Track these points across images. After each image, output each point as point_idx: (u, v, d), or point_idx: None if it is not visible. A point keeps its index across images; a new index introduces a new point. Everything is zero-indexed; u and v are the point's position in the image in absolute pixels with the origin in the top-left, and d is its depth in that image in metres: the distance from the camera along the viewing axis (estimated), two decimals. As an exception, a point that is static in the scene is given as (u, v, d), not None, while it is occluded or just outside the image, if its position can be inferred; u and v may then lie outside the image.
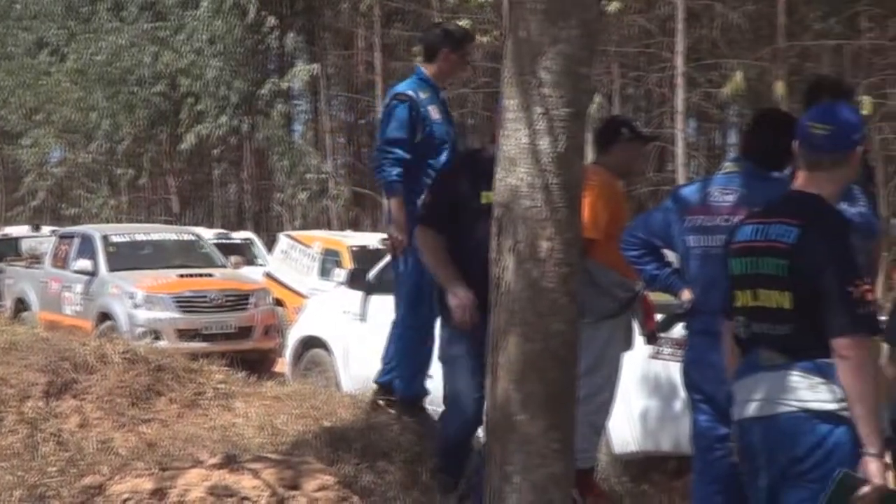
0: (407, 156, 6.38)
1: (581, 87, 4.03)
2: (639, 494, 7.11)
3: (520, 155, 3.95)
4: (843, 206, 4.75)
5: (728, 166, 5.30)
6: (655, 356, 7.35)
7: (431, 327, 6.29)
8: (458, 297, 5.36)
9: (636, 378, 7.57)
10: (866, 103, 19.46)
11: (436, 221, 5.58)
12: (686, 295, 5.23)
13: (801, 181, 4.14)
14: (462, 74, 6.76)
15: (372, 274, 10.15)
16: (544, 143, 3.92)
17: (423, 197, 5.94)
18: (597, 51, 21.61)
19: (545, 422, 3.86)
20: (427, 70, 6.67)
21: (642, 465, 7.73)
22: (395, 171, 6.37)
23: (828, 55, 23.19)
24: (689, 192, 5.35)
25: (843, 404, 3.90)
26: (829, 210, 4.08)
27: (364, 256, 15.93)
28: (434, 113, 6.57)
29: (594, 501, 6.25)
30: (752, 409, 4.08)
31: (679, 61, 21.92)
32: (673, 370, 6.91)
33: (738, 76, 21.39)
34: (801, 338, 3.97)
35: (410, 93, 6.52)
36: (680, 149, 21.73)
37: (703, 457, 5.15)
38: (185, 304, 14.18)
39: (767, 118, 5.37)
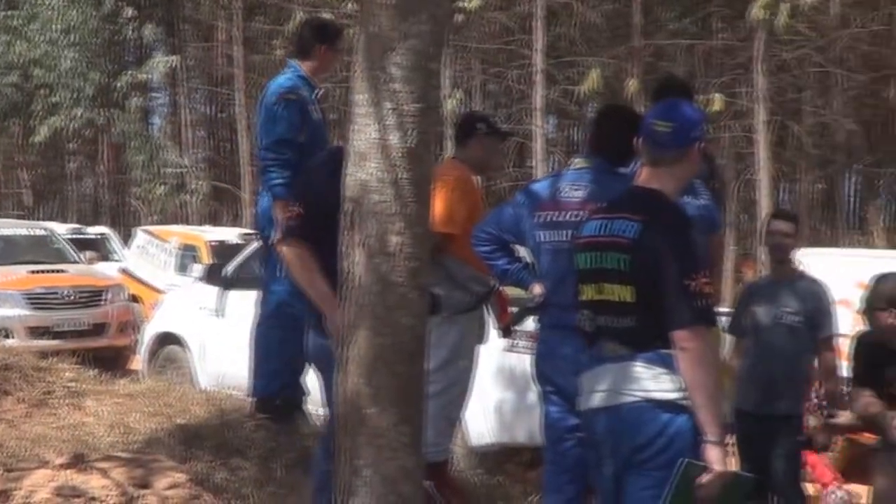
0: (294, 158, 6.15)
1: (431, 82, 4.05)
2: (494, 486, 7.18)
3: (370, 150, 3.96)
4: (686, 200, 4.86)
5: (578, 162, 5.39)
6: (510, 349, 7.44)
7: (299, 329, 6.03)
8: (335, 324, 4.68)
9: (492, 371, 7.65)
10: (717, 101, 19.96)
11: (309, 234, 4.91)
12: (537, 289, 5.30)
13: (643, 177, 4.23)
14: (331, 70, 6.64)
15: (229, 269, 10.07)
16: (394, 139, 3.93)
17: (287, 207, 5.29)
18: (447, 46, 21.82)
19: (395, 415, 3.87)
20: (303, 67, 6.56)
21: (498, 457, 7.83)
22: (285, 174, 6.15)
23: (681, 54, 23.67)
24: (540, 187, 5.42)
25: (685, 393, 3.99)
26: (669, 205, 4.17)
27: (223, 251, 15.79)
28: (314, 112, 6.47)
29: (449, 494, 6.29)
30: (597, 399, 4.15)
31: (538, 59, 22.17)
32: (528, 363, 6.97)
33: (595, 74, 21.70)
34: (644, 330, 4.06)
35: (301, 92, 6.38)
36: (539, 145, 21.98)
37: (554, 447, 5.23)
38: (36, 300, 13.86)
39: (612, 114, 5.47)
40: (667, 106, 4.35)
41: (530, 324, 5.77)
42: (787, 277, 7.04)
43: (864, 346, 6.32)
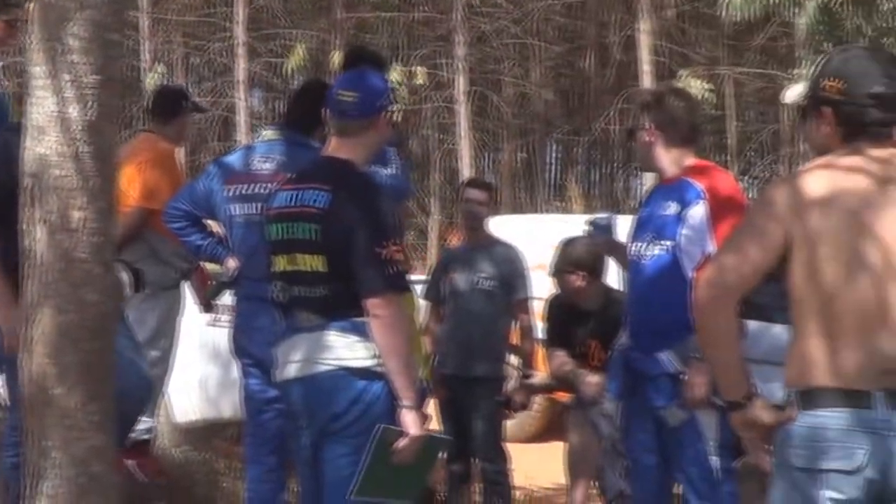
0: None
1: (112, 53, 3.95)
2: (200, 462, 7.13)
3: (49, 124, 3.83)
4: (377, 170, 4.94)
5: (268, 134, 5.41)
6: (213, 324, 7.37)
7: None
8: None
9: (195, 346, 7.58)
10: (419, 73, 20.26)
11: None
12: (231, 263, 5.27)
13: (332, 147, 4.27)
14: (11, 42, 6.34)
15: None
16: (74, 111, 3.82)
17: None
18: (146, 18, 21.24)
19: (83, 394, 3.78)
20: None
21: (204, 433, 7.76)
22: None
23: (384, 27, 23.87)
24: (231, 160, 5.40)
25: (379, 360, 4.06)
26: (358, 174, 4.22)
27: None
28: None
29: (151, 472, 6.21)
30: (292, 369, 4.17)
31: (239, 31, 21.93)
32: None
33: (300, 48, 21.65)
34: (337, 299, 4.10)
35: None
36: (243, 118, 21.79)
37: (255, 419, 5.23)
38: None
39: (304, 87, 5.50)
40: (352, 76, 4.40)
41: (229, 298, 5.74)
42: (482, 244, 7.23)
43: (555, 308, 6.59)
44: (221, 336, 7.43)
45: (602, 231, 5.18)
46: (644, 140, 4.82)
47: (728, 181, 4.84)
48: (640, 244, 4.82)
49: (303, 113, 5.21)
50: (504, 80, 24.83)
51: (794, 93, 3.44)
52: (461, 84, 21.69)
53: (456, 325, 7.09)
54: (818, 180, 3.16)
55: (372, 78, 4.36)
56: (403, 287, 4.16)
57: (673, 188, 4.76)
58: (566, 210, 22.08)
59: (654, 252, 4.74)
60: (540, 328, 6.96)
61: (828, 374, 3.08)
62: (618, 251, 5.19)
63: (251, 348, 5.13)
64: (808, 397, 3.11)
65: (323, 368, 4.09)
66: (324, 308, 4.12)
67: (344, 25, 22.69)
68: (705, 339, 3.23)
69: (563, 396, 7.52)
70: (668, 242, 4.69)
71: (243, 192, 5.18)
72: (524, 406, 7.24)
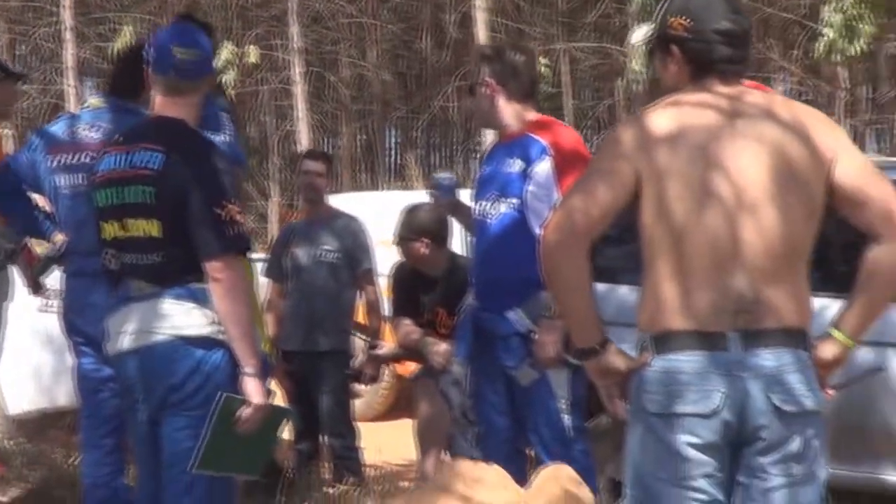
0: None
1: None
2: (36, 454, 6.84)
3: None
4: (211, 136, 4.73)
5: (93, 102, 5.15)
6: (45, 309, 7.06)
7: None
8: None
9: (26, 333, 7.26)
10: (253, 53, 19.93)
11: None
12: (58, 238, 5.02)
13: (159, 107, 4.06)
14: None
15: None
16: None
17: None
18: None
19: None
20: None
21: (39, 423, 7.46)
22: None
23: (216, 9, 23.44)
24: (56, 129, 5.14)
25: (218, 327, 3.88)
26: (193, 134, 4.04)
27: None
28: None
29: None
30: (126, 341, 3.96)
31: (67, 15, 21.30)
32: (62, 320, 6.68)
33: (128, 31, 21.12)
34: (173, 265, 3.90)
35: None
36: (73, 105, 21.15)
37: (89, 400, 5.00)
38: None
39: (125, 53, 5.27)
40: (187, 34, 4.18)
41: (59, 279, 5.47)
42: (323, 217, 7.07)
43: (400, 277, 6.46)
44: (53, 322, 7.15)
45: (445, 191, 5.06)
46: (484, 94, 4.71)
47: (571, 135, 4.76)
48: (484, 203, 4.71)
49: (129, 78, 4.96)
50: (341, 62, 24.66)
51: (640, 33, 3.38)
52: (297, 65, 21.41)
53: (299, 300, 6.93)
54: (665, 117, 3.09)
55: (203, 39, 4.18)
56: (245, 248, 3.99)
57: (516, 144, 4.66)
58: (407, 190, 22.01)
59: (499, 210, 4.64)
60: (386, 302, 6.83)
61: (681, 316, 3.01)
62: (461, 211, 5.08)
63: (83, 326, 4.88)
64: (662, 341, 3.03)
65: (159, 338, 3.89)
66: (158, 275, 3.91)
67: (174, 7, 22.18)
68: (556, 285, 3.13)
69: (408, 370, 7.43)
70: (514, 200, 4.60)
71: (69, 161, 4.93)
72: (374, 379, 7.11)
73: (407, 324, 6.24)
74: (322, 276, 6.91)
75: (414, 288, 6.33)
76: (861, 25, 13.45)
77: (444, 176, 5.12)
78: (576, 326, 3.16)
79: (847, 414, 4.96)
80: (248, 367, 3.87)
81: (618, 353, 3.13)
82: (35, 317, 7.15)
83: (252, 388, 3.88)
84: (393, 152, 28.46)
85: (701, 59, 3.13)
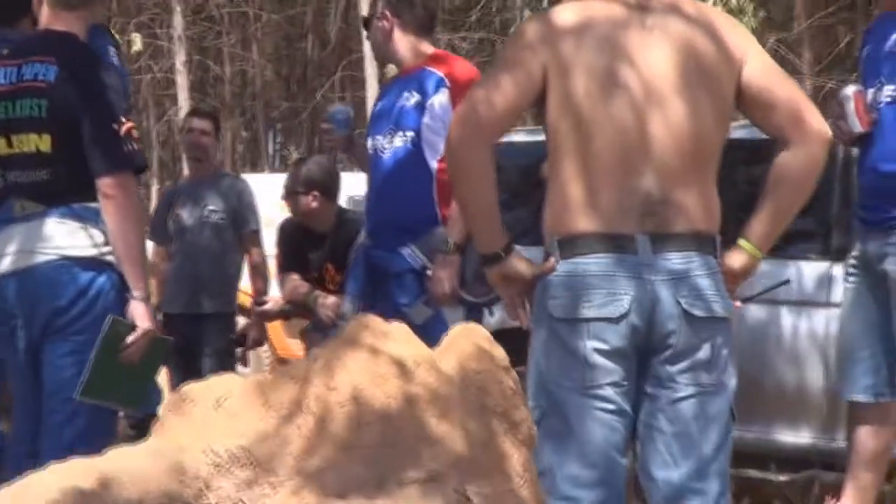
0: None
1: None
2: None
3: None
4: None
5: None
6: None
7: None
8: None
9: None
10: (136, 41, 19.60)
11: None
12: None
13: (47, 20, 3.90)
14: None
15: None
16: None
17: None
18: None
19: None
20: None
21: None
22: None
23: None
24: None
25: (106, 249, 3.73)
26: (85, 47, 3.89)
27: None
28: None
29: None
30: (6, 263, 3.78)
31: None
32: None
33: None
34: (59, 183, 3.75)
35: None
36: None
37: None
38: None
39: None
40: None
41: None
42: (209, 177, 6.91)
43: (288, 232, 6.32)
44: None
45: (339, 125, 4.92)
46: (381, 26, 4.61)
47: (468, 67, 4.66)
48: (378, 137, 4.59)
49: (7, 3, 4.76)
50: (225, 54, 24.39)
51: None
52: (181, 54, 21.09)
53: (183, 261, 6.75)
54: (571, 11, 3.02)
55: None
56: (141, 166, 3.91)
57: (412, 78, 4.56)
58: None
59: (394, 144, 4.53)
60: (274, 285, 6.66)
61: (587, 217, 2.94)
62: (356, 148, 4.97)
63: None
64: (568, 244, 2.96)
65: (42, 259, 3.72)
66: (43, 193, 3.75)
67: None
68: (459, 181, 3.04)
69: (290, 353, 7.29)
70: (410, 133, 4.48)
71: None
72: (259, 343, 6.95)
73: (294, 279, 6.10)
74: (207, 237, 6.74)
75: (301, 244, 6.19)
76: (744, 18, 13.66)
77: (338, 109, 4.97)
78: (480, 228, 3.07)
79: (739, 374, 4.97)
80: (137, 290, 3.73)
81: (522, 259, 3.05)
82: None
83: (140, 313, 3.74)
84: (276, 149, 28.26)
85: None
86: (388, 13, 4.58)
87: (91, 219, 3.72)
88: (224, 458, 1.88)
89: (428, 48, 4.64)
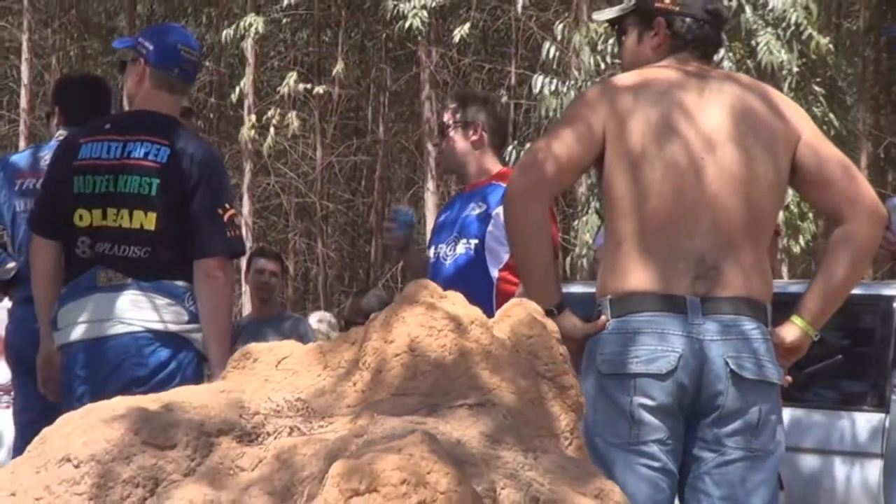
0: None
1: None
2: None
3: None
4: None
5: (62, 134, 5.16)
6: None
7: None
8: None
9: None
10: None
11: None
12: (10, 264, 4.95)
13: (145, 101, 4.04)
14: None
15: None
16: None
17: None
18: None
19: None
20: None
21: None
22: None
23: None
24: (18, 158, 5.20)
25: (189, 327, 3.85)
26: (192, 133, 4.17)
27: None
28: None
29: None
30: (78, 331, 3.86)
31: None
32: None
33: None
34: (154, 259, 3.87)
35: None
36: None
37: (25, 432, 4.82)
38: None
39: (86, 84, 5.32)
40: (191, 37, 4.24)
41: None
42: (273, 317, 7.08)
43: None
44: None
45: (402, 226, 4.90)
46: (473, 139, 4.60)
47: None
48: (441, 245, 4.65)
49: (88, 109, 4.93)
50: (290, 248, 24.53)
51: (606, 13, 3.41)
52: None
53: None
54: (631, 75, 3.16)
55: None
56: (241, 252, 4.03)
57: (476, 193, 4.65)
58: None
59: (457, 251, 4.59)
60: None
61: (640, 277, 3.01)
62: (411, 250, 4.95)
63: (26, 350, 4.75)
64: (619, 302, 3.02)
65: (124, 329, 3.81)
66: (135, 268, 3.85)
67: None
68: (515, 233, 3.10)
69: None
70: (473, 241, 4.52)
71: (30, 186, 4.92)
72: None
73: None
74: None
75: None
76: (804, 224, 13.77)
77: (403, 209, 5.01)
78: (533, 284, 3.11)
79: None
80: (219, 368, 3.79)
81: (573, 317, 3.11)
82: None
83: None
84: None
85: (686, 35, 3.17)
86: (480, 125, 4.58)
87: (180, 296, 3.84)
88: (283, 406, 1.96)
89: (496, 166, 4.69)
